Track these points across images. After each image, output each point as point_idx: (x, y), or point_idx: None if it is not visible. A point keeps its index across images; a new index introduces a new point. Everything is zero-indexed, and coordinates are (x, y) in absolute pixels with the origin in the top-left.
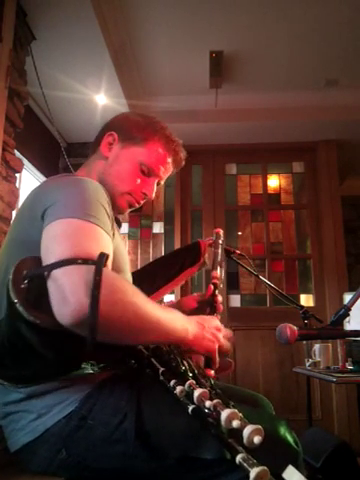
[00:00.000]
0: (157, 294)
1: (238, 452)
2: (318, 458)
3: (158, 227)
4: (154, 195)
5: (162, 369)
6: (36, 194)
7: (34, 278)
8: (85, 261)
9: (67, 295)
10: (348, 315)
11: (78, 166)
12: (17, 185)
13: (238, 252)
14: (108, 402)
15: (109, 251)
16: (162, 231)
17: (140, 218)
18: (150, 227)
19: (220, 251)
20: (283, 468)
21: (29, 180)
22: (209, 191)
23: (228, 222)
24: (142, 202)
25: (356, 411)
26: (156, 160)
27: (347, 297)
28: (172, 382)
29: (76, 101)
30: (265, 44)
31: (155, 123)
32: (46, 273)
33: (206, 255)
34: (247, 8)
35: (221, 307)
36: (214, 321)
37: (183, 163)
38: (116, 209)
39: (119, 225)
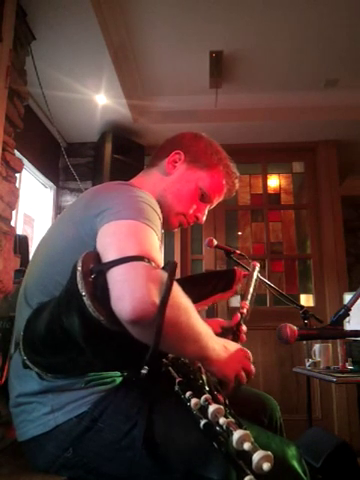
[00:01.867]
0: None
1: (246, 474)
2: (318, 458)
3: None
4: (204, 220)
5: (179, 379)
6: (92, 196)
7: (100, 273)
8: (149, 261)
9: (131, 291)
10: (348, 315)
11: (78, 166)
12: (17, 185)
13: (238, 252)
14: (120, 408)
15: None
16: (162, 231)
17: None
18: None
19: (253, 283)
20: None
21: (29, 180)
22: None
23: (228, 222)
24: (191, 224)
25: (356, 411)
26: (215, 188)
27: (347, 297)
28: (187, 394)
29: (76, 101)
30: (265, 44)
31: (220, 152)
32: (109, 268)
33: (239, 285)
34: (247, 8)
35: (244, 338)
36: (242, 352)
37: (233, 195)
38: (167, 226)
39: None
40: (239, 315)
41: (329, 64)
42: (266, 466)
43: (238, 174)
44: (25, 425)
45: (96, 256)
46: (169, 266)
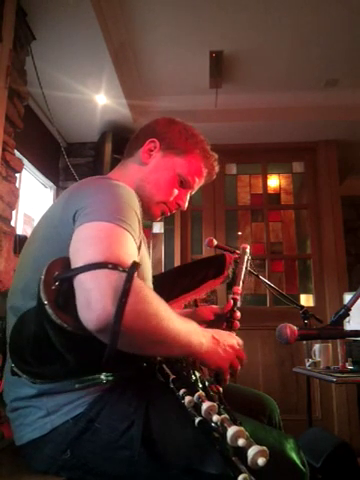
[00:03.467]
0: (176, 302)
1: (240, 472)
2: (318, 458)
3: (158, 227)
4: (186, 206)
5: (173, 377)
6: (70, 195)
7: (65, 281)
8: (115, 267)
9: (93, 300)
10: (348, 315)
11: (78, 166)
12: (17, 185)
13: (238, 252)
14: (116, 407)
15: (137, 259)
16: (162, 231)
17: None
18: (150, 227)
19: (245, 267)
20: None
21: (29, 180)
22: (209, 191)
23: (228, 222)
24: (174, 211)
25: (356, 411)
26: (194, 173)
27: (347, 297)
28: (181, 391)
29: (76, 101)
30: (265, 44)
31: (196, 135)
32: (75, 276)
33: (230, 269)
34: (247, 8)
35: (238, 324)
36: (231, 339)
37: (214, 177)
38: (149, 216)
39: None
40: (232, 301)
41: (329, 64)
42: (261, 461)
43: (216, 156)
44: (22, 429)
45: (65, 262)
46: (130, 267)
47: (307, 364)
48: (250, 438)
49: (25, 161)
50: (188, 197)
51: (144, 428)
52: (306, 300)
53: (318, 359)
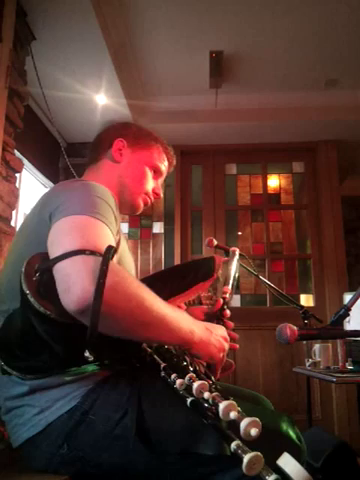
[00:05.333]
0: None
1: (233, 440)
2: (318, 458)
3: (158, 227)
4: (161, 196)
5: (163, 364)
6: (46, 197)
7: (45, 271)
8: (92, 252)
9: (73, 283)
10: (348, 315)
11: (78, 166)
12: (17, 185)
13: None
14: (110, 398)
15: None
16: (162, 231)
17: (140, 218)
18: (150, 227)
19: (234, 268)
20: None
21: (29, 180)
22: (209, 191)
23: (228, 222)
24: (153, 200)
25: (356, 411)
26: (162, 162)
27: (347, 297)
28: (173, 376)
29: (76, 101)
30: (265, 44)
31: (151, 133)
32: (54, 264)
33: (220, 271)
34: (247, 8)
35: (229, 323)
36: (222, 330)
37: (173, 168)
38: (133, 208)
39: None
40: (221, 300)
41: (329, 64)
42: (254, 431)
43: (172, 150)
44: (17, 430)
45: (44, 256)
46: (105, 251)
47: (307, 364)
48: (242, 412)
49: (25, 161)
50: (161, 185)
51: (138, 416)
52: (306, 300)
53: (318, 359)
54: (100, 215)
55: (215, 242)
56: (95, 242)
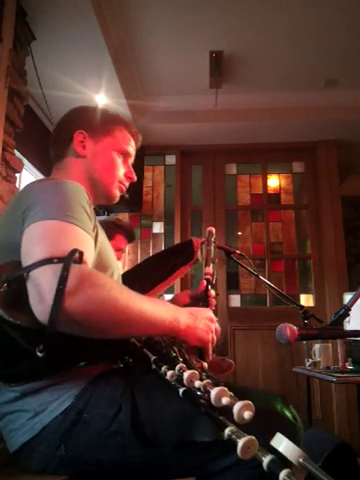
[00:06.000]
0: (151, 293)
1: (226, 426)
2: (318, 458)
3: (158, 227)
4: (135, 177)
5: (154, 357)
6: (17, 198)
7: (12, 281)
8: (61, 260)
9: (43, 294)
10: (348, 315)
11: None
12: (17, 185)
13: (238, 252)
14: (103, 395)
15: (89, 249)
16: (162, 231)
17: (140, 218)
18: (150, 227)
19: (212, 248)
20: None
21: (29, 180)
22: (209, 191)
23: (228, 222)
24: (128, 185)
25: (356, 411)
26: (127, 142)
27: (347, 297)
28: (163, 368)
29: (76, 101)
30: (265, 44)
31: (109, 113)
32: (25, 274)
33: (199, 253)
34: (247, 8)
35: (213, 301)
36: (207, 312)
37: (140, 143)
38: (109, 198)
39: (132, 240)
40: (205, 281)
41: (329, 64)
42: (247, 414)
43: (134, 126)
44: (13, 435)
45: (13, 265)
46: (67, 256)
47: (307, 364)
48: (234, 396)
49: (25, 161)
50: (131, 166)
51: (132, 411)
52: (306, 300)
53: (318, 359)
54: (71, 217)
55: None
56: (65, 248)
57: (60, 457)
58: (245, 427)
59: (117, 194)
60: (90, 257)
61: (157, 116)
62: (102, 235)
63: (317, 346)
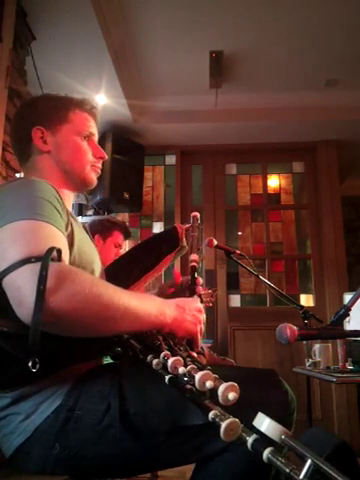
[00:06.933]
0: (137, 284)
1: (210, 409)
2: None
3: (158, 227)
4: (105, 154)
5: (140, 347)
6: None
7: None
8: (38, 259)
9: (23, 295)
10: (348, 315)
11: None
12: None
13: (238, 252)
14: (93, 390)
15: (62, 246)
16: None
17: (140, 218)
18: (150, 227)
19: (197, 234)
20: (277, 416)
21: None
22: (209, 191)
23: (228, 222)
24: (101, 165)
25: (356, 411)
26: (86, 122)
27: (347, 297)
28: (149, 357)
29: None
30: (265, 44)
31: (59, 98)
32: (2, 279)
33: (184, 240)
34: (247, 8)
35: (201, 289)
36: (195, 303)
37: (98, 112)
38: (86, 184)
39: (128, 236)
40: (191, 269)
41: (329, 64)
42: (231, 395)
43: (85, 97)
44: (7, 439)
45: None
46: (44, 254)
47: (307, 364)
48: (219, 379)
49: None
50: (98, 145)
51: (122, 403)
52: (306, 300)
53: (318, 359)
54: (41, 215)
55: (215, 242)
56: (40, 246)
57: (56, 456)
58: (240, 404)
59: (93, 178)
60: (66, 254)
61: (157, 116)
62: (79, 232)
63: (317, 346)
